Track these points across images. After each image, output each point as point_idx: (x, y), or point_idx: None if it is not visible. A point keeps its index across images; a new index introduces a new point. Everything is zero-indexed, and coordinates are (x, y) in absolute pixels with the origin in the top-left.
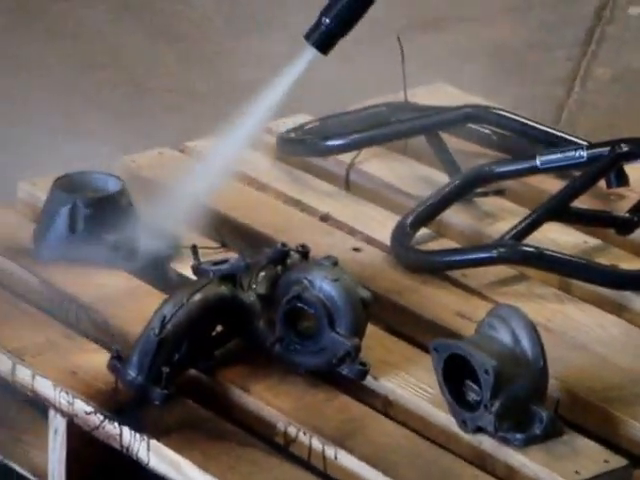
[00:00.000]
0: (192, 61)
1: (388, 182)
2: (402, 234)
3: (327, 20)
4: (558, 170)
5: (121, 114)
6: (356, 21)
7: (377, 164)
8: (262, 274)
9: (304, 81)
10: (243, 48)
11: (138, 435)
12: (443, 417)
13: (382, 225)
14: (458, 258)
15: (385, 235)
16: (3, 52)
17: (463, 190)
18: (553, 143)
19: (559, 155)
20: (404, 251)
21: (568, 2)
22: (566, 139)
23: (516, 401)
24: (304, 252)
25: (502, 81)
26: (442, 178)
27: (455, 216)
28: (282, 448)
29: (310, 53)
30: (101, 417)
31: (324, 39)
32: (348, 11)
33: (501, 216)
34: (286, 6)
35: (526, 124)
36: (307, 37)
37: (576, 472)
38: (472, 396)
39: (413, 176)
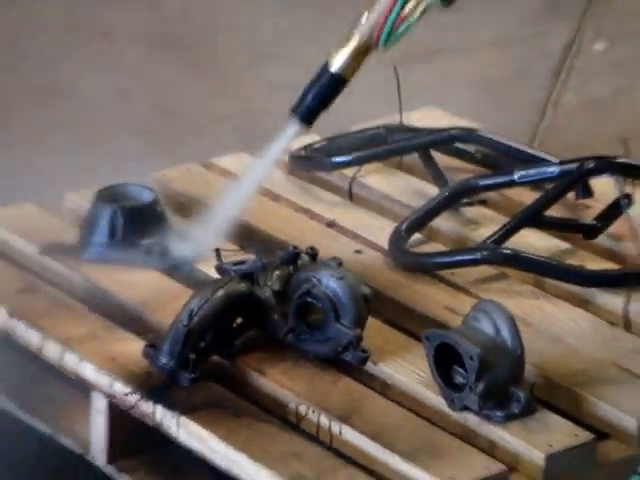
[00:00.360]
0: (215, 89)
1: (386, 193)
2: (398, 238)
3: (310, 98)
4: (533, 183)
5: (153, 134)
6: (334, 98)
7: (376, 178)
8: (276, 273)
9: None
10: (260, 77)
11: (169, 413)
12: (434, 397)
13: (381, 231)
14: (446, 259)
15: (383, 239)
16: (56, 84)
17: (451, 200)
18: (528, 160)
19: (534, 170)
20: (400, 253)
21: (542, 38)
22: (539, 157)
23: (497, 384)
24: (313, 254)
25: (484, 106)
26: (432, 190)
27: (444, 223)
28: (294, 424)
29: (296, 125)
30: (137, 397)
31: (308, 114)
32: (327, 91)
33: (483, 223)
34: (300, 39)
35: (505, 144)
36: (293, 111)
37: (549, 445)
38: (459, 379)
39: (407, 188)
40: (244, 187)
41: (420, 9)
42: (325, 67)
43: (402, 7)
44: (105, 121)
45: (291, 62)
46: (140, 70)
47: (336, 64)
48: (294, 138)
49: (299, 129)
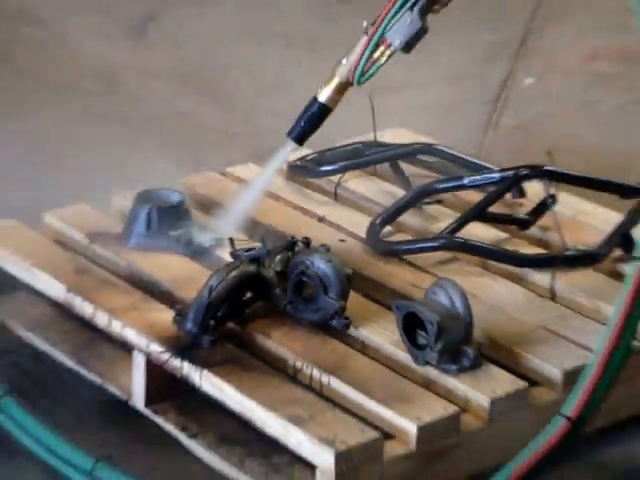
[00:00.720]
0: (229, 112)
1: (364, 195)
2: (374, 230)
3: (302, 123)
4: (479, 187)
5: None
6: (321, 123)
7: (356, 182)
8: (278, 257)
9: None
10: (268, 104)
11: (193, 368)
12: (402, 355)
13: (360, 224)
14: (412, 247)
15: (362, 231)
16: (104, 113)
17: (415, 200)
18: (475, 169)
19: (479, 176)
20: (375, 242)
21: (484, 75)
22: (484, 166)
23: (452, 344)
24: (307, 242)
25: (440, 127)
26: (400, 192)
27: (409, 218)
28: (292, 377)
29: (291, 144)
30: (168, 355)
31: (301, 136)
32: (316, 117)
33: (440, 218)
34: (298, 74)
35: (457, 155)
36: (288, 134)
37: (493, 391)
38: (422, 340)
39: (381, 191)
40: (252, 191)
41: (387, 54)
42: (314, 99)
43: (372, 53)
44: (148, 138)
45: (292, 93)
46: (168, 101)
47: (323, 96)
48: (289, 154)
49: (293, 147)
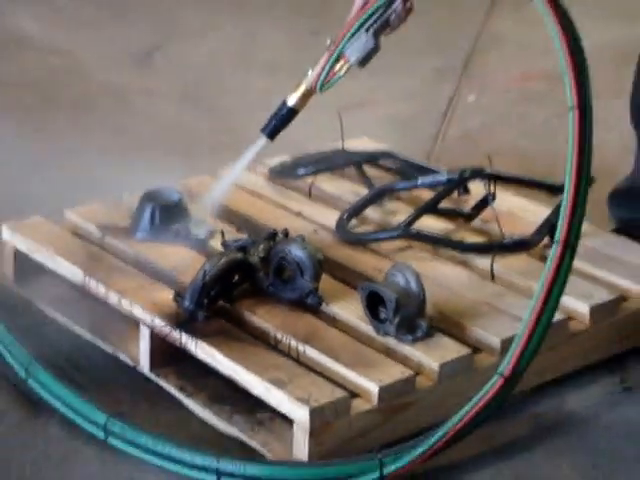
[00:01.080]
0: (221, 127)
1: (333, 194)
2: (342, 223)
3: (274, 122)
4: (430, 186)
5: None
6: (290, 122)
7: (327, 183)
8: (261, 246)
9: (284, 136)
10: (255, 120)
11: (190, 338)
12: (366, 327)
13: (330, 218)
14: (374, 236)
15: (332, 223)
16: (106, 125)
17: (376, 198)
18: (427, 171)
19: (430, 178)
20: (343, 232)
21: (433, 93)
22: (434, 169)
23: (407, 317)
24: (285, 233)
25: (398, 137)
26: (364, 191)
27: (372, 212)
28: (273, 346)
29: (263, 139)
30: (169, 328)
31: (272, 132)
32: (285, 117)
33: (398, 212)
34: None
35: (411, 161)
36: (262, 130)
37: (442, 357)
38: (383, 315)
39: (348, 190)
40: (225, 182)
41: (345, 68)
42: (284, 103)
43: (332, 66)
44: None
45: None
46: (174, 118)
47: (291, 101)
48: (262, 148)
49: (265, 142)
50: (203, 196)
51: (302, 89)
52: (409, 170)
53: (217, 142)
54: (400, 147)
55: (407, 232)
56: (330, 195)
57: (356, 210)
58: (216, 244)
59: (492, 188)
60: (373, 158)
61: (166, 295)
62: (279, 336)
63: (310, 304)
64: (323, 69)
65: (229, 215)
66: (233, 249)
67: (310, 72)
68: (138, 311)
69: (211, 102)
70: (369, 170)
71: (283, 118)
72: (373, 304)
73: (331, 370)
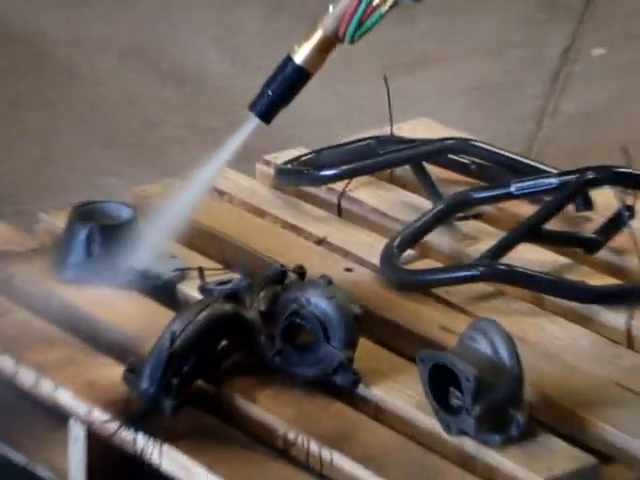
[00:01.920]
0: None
1: (376, 208)
2: (390, 255)
3: (270, 92)
4: (530, 196)
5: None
6: (297, 93)
7: (366, 192)
8: (263, 293)
9: (299, 116)
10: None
11: (150, 441)
12: (428, 421)
13: (372, 247)
14: (441, 276)
15: (374, 256)
16: (26, 93)
17: (445, 214)
18: (525, 171)
19: (531, 182)
20: (392, 270)
21: (538, 43)
22: (537, 168)
23: (495, 406)
24: (301, 272)
25: (478, 116)
26: (425, 204)
27: (438, 238)
28: (282, 452)
29: (254, 123)
30: (116, 424)
31: (267, 109)
32: (289, 84)
33: (479, 238)
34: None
35: (501, 154)
36: (251, 107)
37: (549, 469)
38: (455, 402)
39: (399, 202)
40: (197, 189)
41: (390, 1)
42: (288, 59)
43: None
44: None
45: None
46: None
47: (300, 56)
48: (252, 136)
49: (257, 126)
50: (168, 212)
51: (318, 37)
52: (496, 169)
53: (188, 123)
54: (482, 133)
55: (494, 270)
56: (371, 210)
57: (413, 235)
58: (191, 289)
59: (630, 199)
60: (440, 151)
61: (111, 372)
62: (292, 436)
63: (340, 385)
64: (358, 3)
65: (212, 243)
66: (218, 297)
67: (332, 9)
68: (66, 397)
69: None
70: (433, 170)
71: (286, 86)
72: (440, 385)
73: None
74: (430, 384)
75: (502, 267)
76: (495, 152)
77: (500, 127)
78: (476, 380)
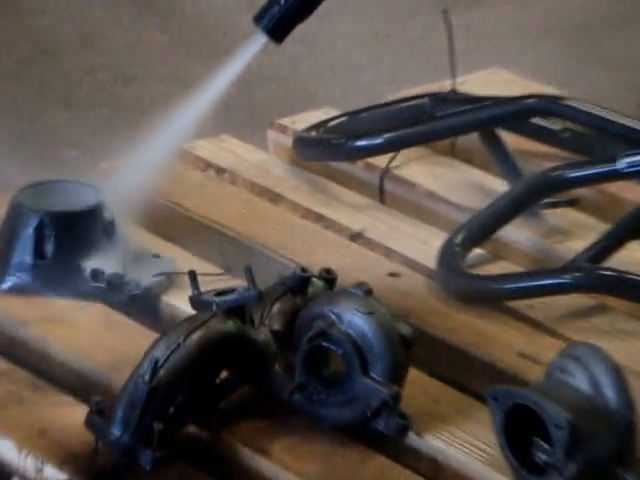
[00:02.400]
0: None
1: (432, 191)
2: (451, 255)
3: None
4: None
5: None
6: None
7: (418, 169)
8: (277, 306)
9: (328, 65)
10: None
11: None
12: None
13: (425, 244)
14: (522, 285)
15: (429, 257)
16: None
17: (526, 200)
18: (637, 141)
19: None
20: (454, 276)
21: None
22: None
23: (597, 463)
24: (329, 279)
25: (570, 65)
26: (499, 185)
27: (517, 233)
28: None
29: (260, 41)
30: None
31: (278, 23)
32: None
33: (574, 232)
34: None
35: (605, 118)
36: (257, 20)
37: None
38: (541, 457)
39: (463, 183)
40: (177, 131)
41: None
42: None
43: None
44: None
45: None
46: None
47: None
48: (253, 57)
49: (263, 45)
50: (144, 192)
51: None
52: (597, 139)
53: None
54: (576, 88)
55: (594, 276)
56: (424, 194)
57: (482, 228)
58: (180, 301)
59: None
60: (519, 113)
61: (70, 414)
62: None
63: (383, 432)
64: None
65: (208, 239)
66: (217, 312)
67: None
68: (8, 449)
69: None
70: (509, 140)
71: None
72: (520, 434)
73: None
74: (506, 432)
75: (606, 273)
76: (596, 115)
77: (599, 79)
78: (571, 427)
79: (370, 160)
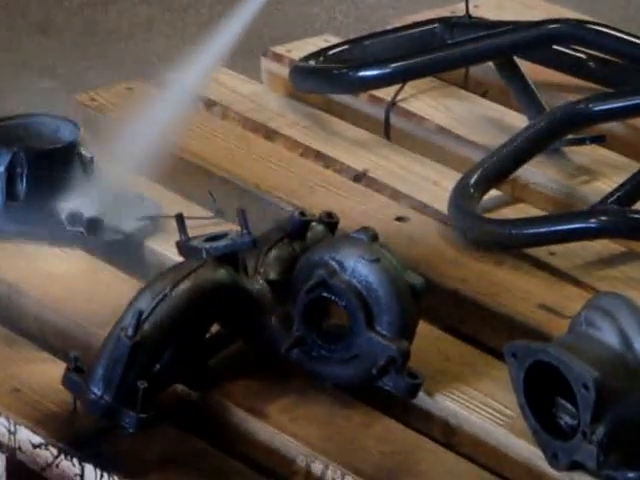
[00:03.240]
0: None
1: (443, 126)
2: (464, 197)
3: None
4: None
5: None
6: None
7: (428, 102)
8: (273, 253)
9: None
10: None
11: (105, 475)
12: (525, 448)
13: (436, 185)
14: (543, 230)
15: (440, 199)
16: None
17: (548, 136)
18: None
19: None
20: (468, 220)
21: None
22: None
23: (627, 426)
24: (330, 223)
25: None
26: (518, 120)
27: (537, 172)
28: None
29: None
30: (54, 451)
31: None
32: None
33: (601, 172)
34: None
35: (636, 44)
36: None
37: None
38: (566, 419)
39: (477, 118)
40: (176, 95)
41: None
42: None
43: None
44: None
45: None
46: None
47: None
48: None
49: None
50: (133, 130)
51: None
52: (627, 68)
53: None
54: (605, 13)
55: (623, 220)
56: (434, 130)
57: (500, 167)
58: (166, 247)
59: None
60: (540, 39)
61: (46, 371)
62: (317, 467)
63: (391, 391)
64: None
65: (197, 179)
66: (207, 259)
67: None
68: None
69: None
70: (529, 70)
71: None
72: (542, 394)
73: None
74: (527, 392)
75: (636, 216)
76: (627, 40)
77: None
78: (598, 387)
79: (375, 92)
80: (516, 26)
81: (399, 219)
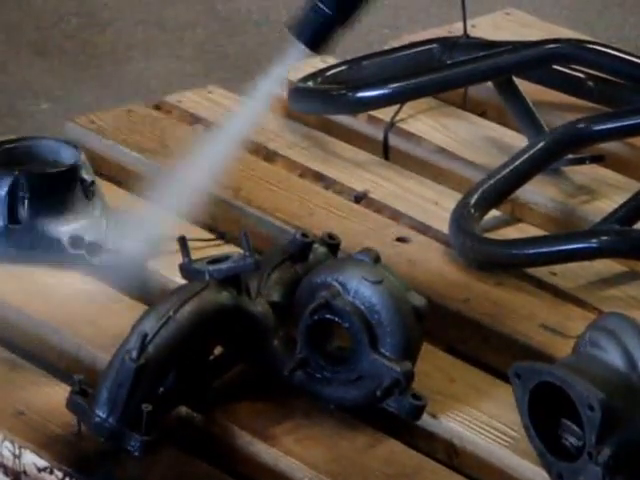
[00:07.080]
0: None
1: (442, 146)
2: (465, 218)
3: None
4: None
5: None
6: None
7: (427, 122)
8: (276, 275)
9: None
10: None
11: None
12: (529, 469)
13: (436, 206)
14: (544, 250)
15: (440, 219)
16: None
17: (548, 156)
18: None
19: None
20: (469, 241)
21: None
22: None
23: (633, 447)
24: (333, 244)
25: (598, 6)
26: (517, 140)
27: (537, 192)
28: None
29: (296, 51)
30: (60, 474)
31: (319, 31)
32: None
33: (601, 191)
34: None
35: (636, 64)
36: (291, 29)
37: None
38: (571, 440)
39: (476, 138)
40: (218, 145)
41: None
42: None
43: None
44: None
45: None
46: None
47: None
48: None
49: (302, 56)
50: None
51: None
52: (626, 88)
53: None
54: (603, 34)
55: (625, 240)
56: (433, 150)
57: (500, 188)
58: (169, 269)
59: None
60: (539, 60)
61: (50, 394)
62: None
63: (395, 412)
64: None
65: (199, 201)
66: (210, 282)
67: None
68: None
69: None
70: (528, 90)
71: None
72: (547, 414)
73: None
74: (532, 413)
75: (637, 236)
76: (626, 60)
77: (629, 20)
78: (603, 408)
79: (373, 113)
80: (515, 46)
81: (400, 240)
